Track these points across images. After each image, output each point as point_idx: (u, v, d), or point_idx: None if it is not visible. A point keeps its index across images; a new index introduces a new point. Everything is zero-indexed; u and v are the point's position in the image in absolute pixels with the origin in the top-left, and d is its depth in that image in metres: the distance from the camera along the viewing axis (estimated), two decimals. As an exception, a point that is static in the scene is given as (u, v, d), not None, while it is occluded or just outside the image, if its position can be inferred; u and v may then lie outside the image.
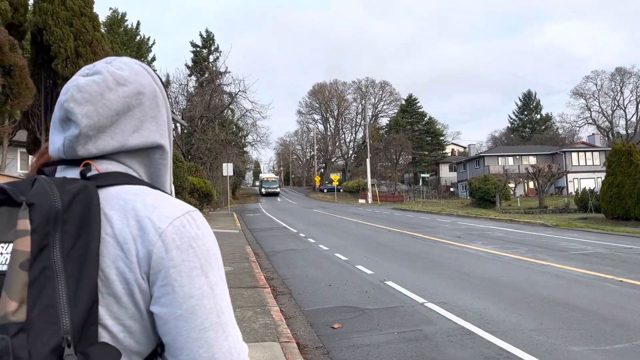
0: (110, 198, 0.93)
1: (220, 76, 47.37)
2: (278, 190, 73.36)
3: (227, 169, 32.99)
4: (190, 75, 49.95)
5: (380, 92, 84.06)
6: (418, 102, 78.20)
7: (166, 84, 41.25)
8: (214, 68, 50.48)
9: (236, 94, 44.10)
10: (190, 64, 52.48)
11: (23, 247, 0.81)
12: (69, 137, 0.97)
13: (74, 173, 0.97)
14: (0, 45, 8.90)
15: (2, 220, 0.86)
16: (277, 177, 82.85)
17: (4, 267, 0.82)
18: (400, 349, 5.45)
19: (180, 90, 44.67)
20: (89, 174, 0.95)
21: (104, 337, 0.87)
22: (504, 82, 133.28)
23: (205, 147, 41.20)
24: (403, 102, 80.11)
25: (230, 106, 48.00)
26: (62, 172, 1.00)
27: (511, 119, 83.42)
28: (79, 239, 0.86)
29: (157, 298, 0.91)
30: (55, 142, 1.00)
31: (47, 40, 15.66)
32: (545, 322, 6.36)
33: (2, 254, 0.83)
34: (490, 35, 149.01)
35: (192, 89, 46.91)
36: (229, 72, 49.81)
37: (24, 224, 0.82)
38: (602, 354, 5.16)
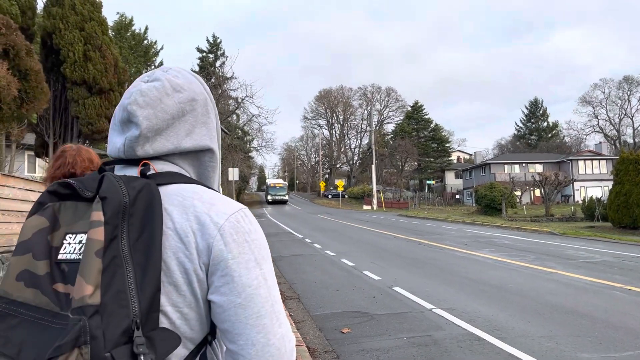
0: (170, 195, 1.01)
1: (226, 81, 47.61)
2: (286, 197, 66.54)
3: (233, 174, 33.09)
4: (196, 80, 50.17)
5: (386, 99, 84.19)
6: (424, 108, 78.25)
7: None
8: (220, 73, 50.73)
9: (243, 99, 44.32)
10: (196, 69, 52.76)
11: (97, 236, 0.87)
12: (129, 137, 1.04)
13: (132, 172, 1.05)
14: (17, 50, 9.02)
15: (68, 213, 0.93)
16: (286, 183, 72.47)
17: (73, 256, 0.89)
18: (410, 354, 5.46)
19: (187, 96, 44.91)
20: (148, 173, 1.03)
21: (163, 322, 0.94)
22: (510, 89, 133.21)
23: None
24: (409, 108, 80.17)
25: (237, 111, 48.19)
26: (120, 171, 1.07)
27: (518, 126, 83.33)
28: (143, 231, 0.93)
29: (217, 287, 0.97)
30: (116, 142, 1.08)
31: (56, 44, 15.82)
32: (555, 329, 6.36)
33: (70, 244, 0.90)
34: (496, 43, 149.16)
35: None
36: (236, 77, 49.98)
37: (98, 215, 0.89)
38: (612, 361, 5.16)
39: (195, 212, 0.99)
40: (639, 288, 8.87)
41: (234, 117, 50.71)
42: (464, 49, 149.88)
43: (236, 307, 0.97)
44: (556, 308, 7.47)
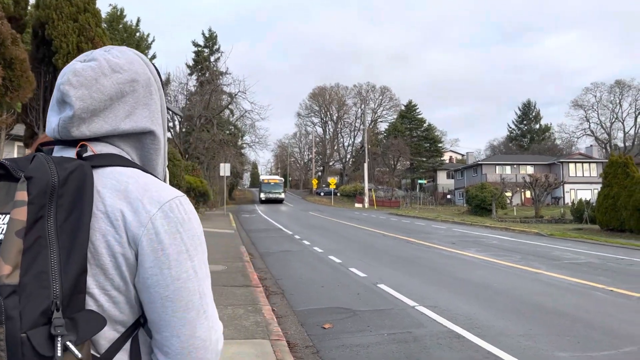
0: (104, 177, 1.00)
1: (220, 76, 47.45)
2: (282, 196, 59.85)
3: (225, 169, 33.03)
4: (190, 75, 50.03)
5: (380, 98, 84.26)
6: (417, 108, 78.43)
7: (166, 83, 41.33)
8: (215, 68, 50.54)
9: (236, 95, 44.23)
10: (191, 63, 52.55)
11: (19, 216, 0.87)
12: (63, 118, 1.03)
13: (70, 153, 1.03)
14: (3, 39, 8.94)
15: (1, 194, 0.92)
16: (282, 179, 65.22)
17: (1, 237, 0.88)
18: (389, 350, 5.50)
19: (179, 89, 44.74)
20: (85, 155, 1.02)
21: (90, 305, 0.94)
22: (504, 91, 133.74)
23: (203, 147, 41.22)
24: (402, 107, 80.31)
25: (230, 106, 48.08)
26: (59, 152, 1.06)
27: (510, 128, 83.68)
28: (72, 213, 0.92)
29: (144, 278, 0.97)
30: (52, 122, 1.07)
31: (49, 35, 15.69)
32: (534, 328, 6.42)
33: None
34: (491, 45, 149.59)
35: (192, 88, 46.94)
36: (230, 73, 49.76)
37: (22, 195, 0.88)
38: (588, 359, 5.22)
39: (128, 196, 0.98)
40: (620, 289, 8.97)
41: (227, 112, 50.57)
42: (457, 51, 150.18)
43: (163, 300, 0.97)
44: (538, 307, 7.53)
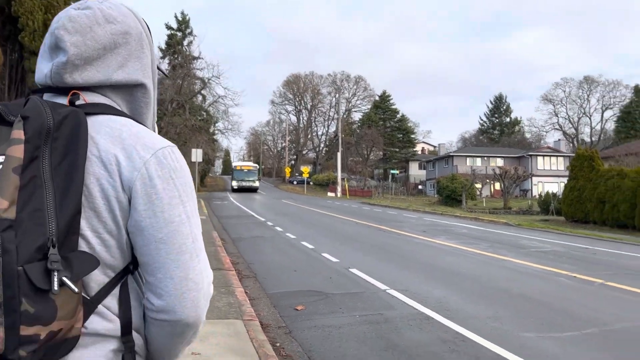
0: (98, 124, 1.01)
1: (193, 61, 46.72)
2: (257, 184, 53.50)
3: (197, 155, 32.64)
4: (163, 58, 49.08)
5: (355, 87, 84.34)
6: (391, 98, 78.90)
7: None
8: (188, 52, 49.72)
9: (209, 80, 43.65)
10: (163, 46, 51.54)
11: (16, 153, 0.88)
12: (56, 63, 1.03)
13: (62, 101, 1.04)
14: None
15: None
16: (256, 166, 58.16)
17: None
18: (361, 331, 5.58)
19: (152, 73, 43.87)
20: (77, 102, 1.03)
21: (82, 247, 0.96)
22: (477, 85, 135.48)
23: (174, 132, 40.63)
24: (377, 98, 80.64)
25: (202, 92, 47.46)
26: (50, 100, 1.05)
27: (482, 120, 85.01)
28: (66, 156, 0.94)
29: (138, 221, 0.99)
30: (43, 68, 1.07)
31: (15, 12, 15.22)
32: (501, 311, 6.60)
33: None
34: (462, 38, 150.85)
35: (165, 71, 46.17)
36: (203, 57, 48.94)
37: (19, 134, 0.90)
38: (551, 340, 5.40)
39: (122, 142, 1.00)
40: (583, 276, 9.27)
41: (200, 97, 49.90)
42: (430, 44, 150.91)
43: (157, 242, 0.99)
44: (504, 292, 7.74)
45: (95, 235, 0.97)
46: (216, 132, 59.28)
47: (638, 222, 19.94)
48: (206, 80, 44.47)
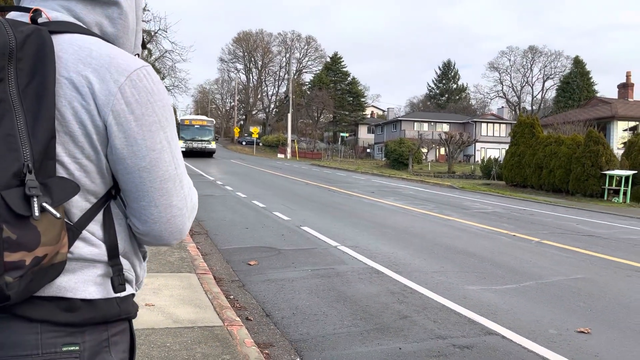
0: (64, 43, 0.95)
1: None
2: (213, 145, 40.01)
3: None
4: (105, 9, 46.52)
5: (306, 47, 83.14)
6: (342, 61, 78.43)
7: None
8: (133, 3, 47.25)
9: (155, 33, 41.80)
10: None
11: None
12: None
13: (23, 18, 0.97)
14: None
15: None
16: (212, 120, 43.57)
17: None
18: (313, 284, 5.71)
19: (93, 23, 41.56)
20: (39, 20, 0.96)
21: (60, 172, 0.93)
22: (425, 50, 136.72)
23: (119, 87, 39.07)
24: (328, 59, 79.98)
25: (148, 45, 45.46)
26: (15, 19, 0.98)
27: (430, 86, 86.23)
28: (34, 77, 0.88)
29: (119, 149, 0.96)
30: None
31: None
32: (446, 266, 6.91)
33: None
34: (411, 3, 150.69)
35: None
36: (148, 9, 46.72)
37: None
38: (492, 292, 5.73)
39: (92, 63, 0.95)
40: (522, 234, 9.80)
41: (146, 52, 47.83)
42: (378, 8, 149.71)
43: (140, 171, 0.97)
44: (449, 248, 8.09)
45: (73, 161, 0.94)
46: (162, 88, 57.26)
47: (571, 187, 21.11)
48: (152, 34, 42.58)
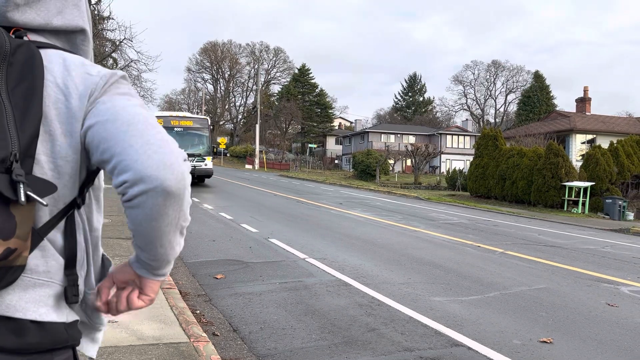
0: (50, 56, 1.03)
1: (102, 21, 43.76)
2: (209, 165, 22.12)
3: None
4: (68, 16, 45.58)
5: (274, 59, 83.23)
6: (310, 72, 78.82)
7: None
8: (96, 11, 46.46)
9: (121, 42, 41.14)
10: (69, 3, 47.79)
11: None
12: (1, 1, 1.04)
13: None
14: None
15: None
16: (206, 119, 25.30)
17: None
18: (282, 297, 5.67)
19: (56, 31, 40.64)
20: (24, 37, 1.04)
21: (35, 172, 0.95)
22: (392, 63, 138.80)
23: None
24: (296, 71, 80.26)
25: (113, 54, 44.73)
26: None
27: (396, 98, 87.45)
28: (22, 81, 0.95)
29: (87, 120, 1.00)
30: None
31: None
32: (413, 277, 6.97)
33: None
34: (378, 17, 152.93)
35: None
36: (114, 18, 45.94)
37: None
38: (458, 303, 5.81)
39: (76, 70, 1.03)
40: (486, 245, 9.99)
41: (110, 61, 47.04)
42: (345, 21, 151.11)
43: (104, 124, 0.98)
44: (416, 260, 8.17)
45: (49, 160, 0.97)
46: (127, 98, 56.32)
47: (533, 198, 21.69)
48: (117, 43, 41.91)
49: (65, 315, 1.00)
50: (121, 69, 40.84)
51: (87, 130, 0.98)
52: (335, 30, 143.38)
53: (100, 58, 42.17)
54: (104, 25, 43.41)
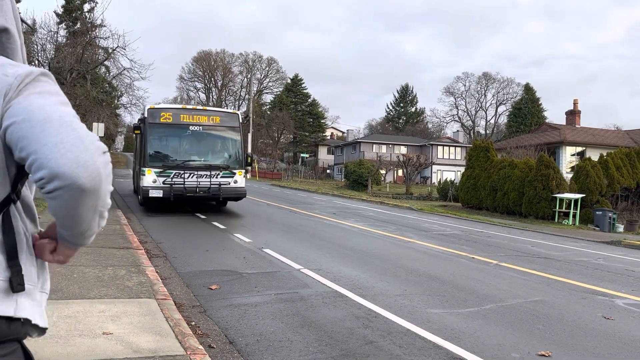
0: None
1: (95, 29, 43.61)
2: (239, 182, 14.71)
3: (98, 130, 30.75)
4: (59, 24, 45.35)
5: (267, 69, 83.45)
6: (303, 82, 79.05)
7: (32, 30, 37.04)
8: (89, 19, 46.30)
9: (114, 50, 41.01)
10: (60, 11, 47.59)
11: None
12: None
13: None
14: None
15: None
16: (237, 115, 15.53)
17: None
18: (277, 309, 5.61)
19: (48, 38, 40.42)
20: None
21: None
22: (384, 74, 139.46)
23: (73, 104, 37.87)
24: (289, 80, 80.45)
25: (106, 62, 44.55)
26: None
27: (388, 109, 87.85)
28: None
29: (4, 120, 1.03)
30: None
31: None
32: (409, 289, 6.94)
33: None
34: (368, 29, 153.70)
35: (63, 38, 42.69)
36: (106, 26, 45.77)
37: None
38: (455, 315, 5.78)
39: None
40: (481, 257, 9.99)
41: (103, 69, 46.83)
42: (336, 33, 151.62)
43: (20, 123, 1.01)
44: (412, 271, 8.14)
45: None
46: (119, 106, 56.02)
47: (524, 209, 21.77)
48: (110, 51, 41.76)
49: (13, 310, 1.05)
50: (114, 77, 40.23)
51: (5, 130, 1.01)
52: (324, 41, 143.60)
53: (93, 65, 42.03)
54: (97, 33, 43.29)
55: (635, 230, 19.07)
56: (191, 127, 14.25)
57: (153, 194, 13.36)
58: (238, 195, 14.73)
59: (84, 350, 3.64)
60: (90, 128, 31.95)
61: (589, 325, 5.70)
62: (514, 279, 8.05)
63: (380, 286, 6.98)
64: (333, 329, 5.02)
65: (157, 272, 6.80)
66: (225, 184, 14.10)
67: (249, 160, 15.17)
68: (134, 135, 18.27)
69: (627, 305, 6.74)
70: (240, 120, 15.27)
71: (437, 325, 5.31)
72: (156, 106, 14.44)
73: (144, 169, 13.66)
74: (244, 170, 14.79)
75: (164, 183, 13.48)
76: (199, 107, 15.26)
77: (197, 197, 13.88)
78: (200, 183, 13.75)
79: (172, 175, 13.57)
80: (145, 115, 14.23)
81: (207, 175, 13.84)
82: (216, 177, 13.94)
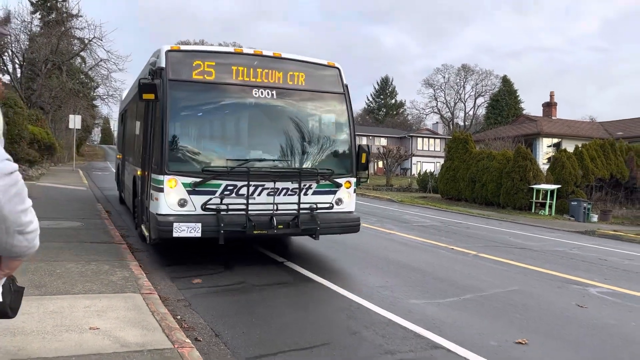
0: None
1: (71, 19, 42.73)
2: (349, 202, 7.90)
3: (74, 121, 30.30)
4: (34, 13, 44.31)
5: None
6: (283, 74, 78.76)
7: (5, 21, 36.14)
8: (65, 9, 45.33)
9: (90, 41, 40.26)
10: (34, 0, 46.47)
11: None
12: None
13: None
14: None
15: None
16: (337, 70, 8.15)
17: None
18: (261, 299, 5.68)
19: (22, 28, 39.49)
20: None
21: None
22: (364, 65, 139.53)
23: (49, 95, 37.16)
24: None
25: (82, 53, 43.73)
26: None
27: (368, 100, 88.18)
28: None
29: None
30: None
31: None
32: (391, 280, 7.07)
33: None
34: (346, 20, 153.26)
35: (37, 28, 41.73)
36: (82, 16, 44.93)
37: None
38: (435, 305, 5.93)
39: None
40: (460, 248, 10.20)
41: (79, 60, 45.97)
42: (308, 24, 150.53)
43: None
44: (393, 262, 8.29)
45: None
46: (96, 97, 55.03)
47: (502, 200, 22.18)
48: (86, 41, 40.99)
49: None
50: (90, 68, 39.43)
51: None
52: (297, 32, 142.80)
53: (69, 56, 41.24)
54: (72, 23, 42.44)
55: (609, 220, 19.59)
56: (255, 93, 7.26)
57: (182, 230, 6.58)
58: (346, 226, 7.85)
59: (71, 346, 3.67)
60: (66, 120, 31.37)
61: (563, 313, 5.91)
62: (493, 269, 8.26)
63: (361, 278, 7.11)
64: (317, 320, 5.11)
65: (140, 266, 6.80)
66: (324, 207, 7.39)
67: (363, 160, 7.89)
68: (120, 117, 14.22)
69: (599, 294, 6.99)
70: (345, 81, 8.19)
71: (418, 316, 5.45)
72: (183, 47, 7.20)
73: (158, 176, 6.71)
74: (354, 180, 7.93)
75: (205, 207, 6.73)
76: (266, 52, 7.58)
77: (271, 235, 6.98)
78: (279, 207, 7.04)
79: (220, 191, 6.80)
80: (163, 65, 6.85)
81: (289, 190, 7.13)
82: (307, 193, 7.28)
